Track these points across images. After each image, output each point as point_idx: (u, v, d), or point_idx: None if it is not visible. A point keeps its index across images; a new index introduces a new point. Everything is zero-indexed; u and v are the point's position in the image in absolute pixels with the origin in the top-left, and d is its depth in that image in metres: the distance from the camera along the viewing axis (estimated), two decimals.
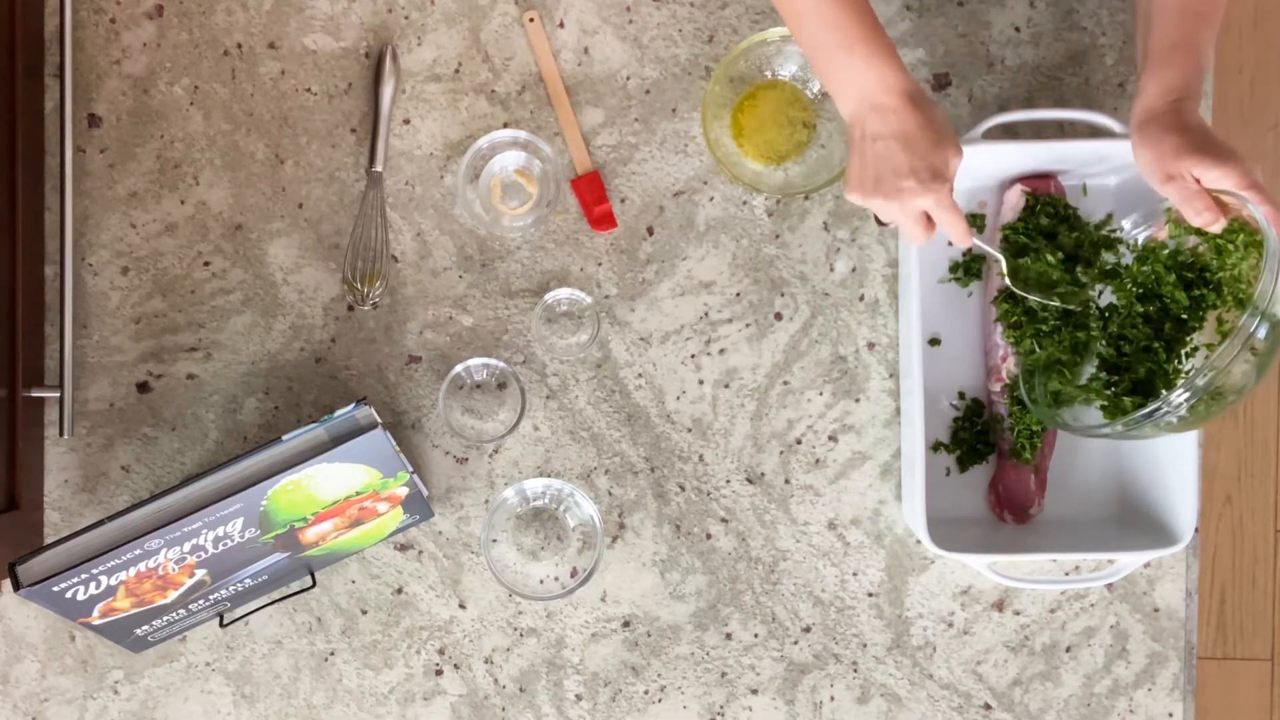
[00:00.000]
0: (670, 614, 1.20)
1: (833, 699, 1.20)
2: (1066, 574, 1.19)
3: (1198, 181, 0.91)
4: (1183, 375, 0.99)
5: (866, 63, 0.93)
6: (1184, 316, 0.99)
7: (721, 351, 1.19)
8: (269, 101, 1.20)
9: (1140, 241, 1.05)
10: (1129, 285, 1.04)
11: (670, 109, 1.20)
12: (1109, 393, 1.02)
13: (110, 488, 1.19)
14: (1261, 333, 0.88)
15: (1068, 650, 1.19)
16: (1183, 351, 1.00)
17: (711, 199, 1.19)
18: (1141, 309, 1.02)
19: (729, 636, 1.20)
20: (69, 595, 1.02)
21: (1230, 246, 0.96)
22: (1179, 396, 0.90)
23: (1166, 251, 1.01)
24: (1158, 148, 0.93)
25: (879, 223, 0.99)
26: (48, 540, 1.19)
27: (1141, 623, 1.19)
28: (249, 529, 1.05)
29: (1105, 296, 1.08)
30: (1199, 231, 0.97)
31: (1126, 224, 1.08)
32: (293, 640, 1.19)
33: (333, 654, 1.19)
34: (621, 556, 1.19)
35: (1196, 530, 1.10)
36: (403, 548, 1.19)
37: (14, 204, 1.12)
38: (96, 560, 1.00)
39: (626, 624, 1.20)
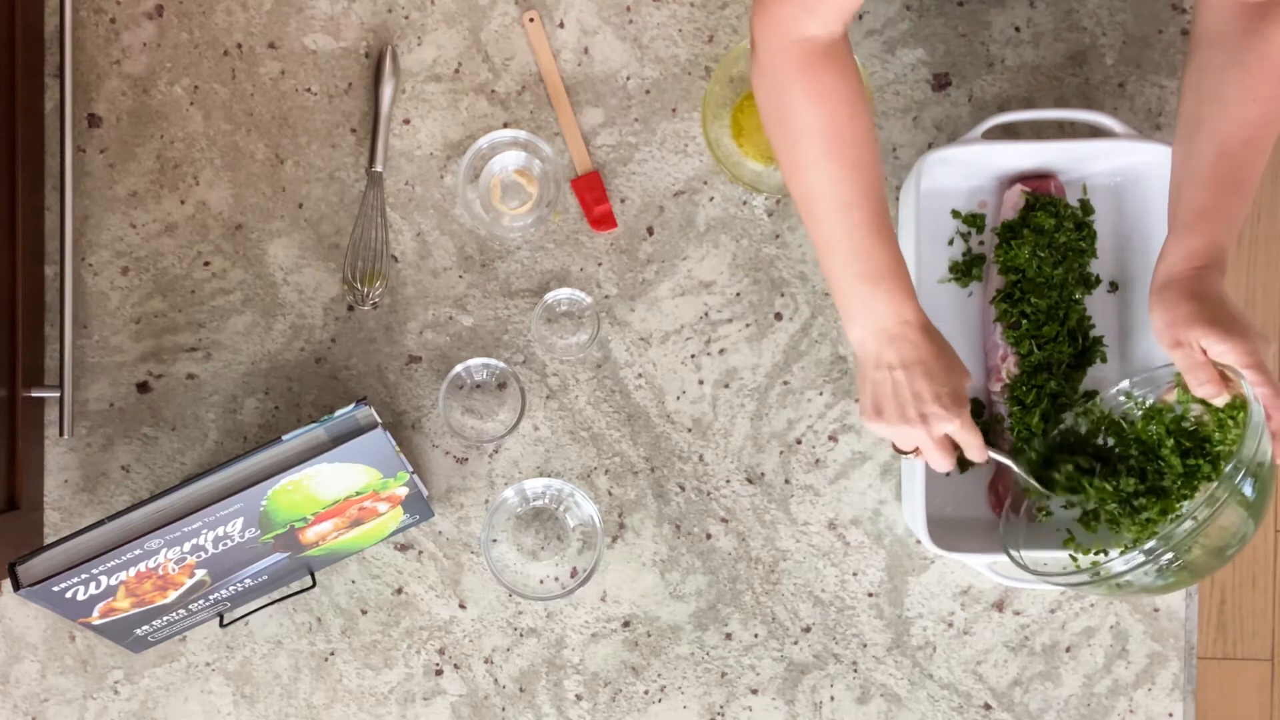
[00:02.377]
0: (670, 614, 1.20)
1: (833, 699, 1.20)
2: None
3: (1204, 352, 0.90)
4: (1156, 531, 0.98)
5: (889, 297, 0.94)
6: (1177, 484, 0.99)
7: (721, 351, 1.19)
8: (269, 101, 1.20)
9: (1149, 402, 1.04)
10: (1130, 441, 1.03)
11: (670, 109, 1.20)
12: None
13: (110, 488, 1.19)
14: (1249, 490, 0.88)
15: (1068, 650, 1.19)
16: (1171, 516, 0.99)
17: (711, 199, 1.20)
18: (1138, 465, 1.02)
19: (729, 636, 1.20)
20: (69, 595, 1.02)
21: (1230, 422, 0.95)
22: (1157, 549, 0.89)
23: (1171, 416, 1.01)
24: (1172, 313, 0.91)
25: (897, 450, 1.00)
26: (48, 540, 1.19)
27: (1141, 623, 1.19)
28: (249, 529, 1.05)
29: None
30: (1204, 402, 0.96)
31: (1138, 382, 1.06)
32: (293, 640, 1.19)
33: (333, 654, 1.19)
34: (621, 556, 1.19)
35: None
36: (403, 548, 1.19)
37: (14, 204, 1.12)
38: (96, 560, 1.00)
39: (626, 624, 1.20)
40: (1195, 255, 0.92)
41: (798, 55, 0.92)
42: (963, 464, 1.18)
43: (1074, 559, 1.01)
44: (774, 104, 0.95)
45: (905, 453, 0.99)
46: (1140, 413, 1.03)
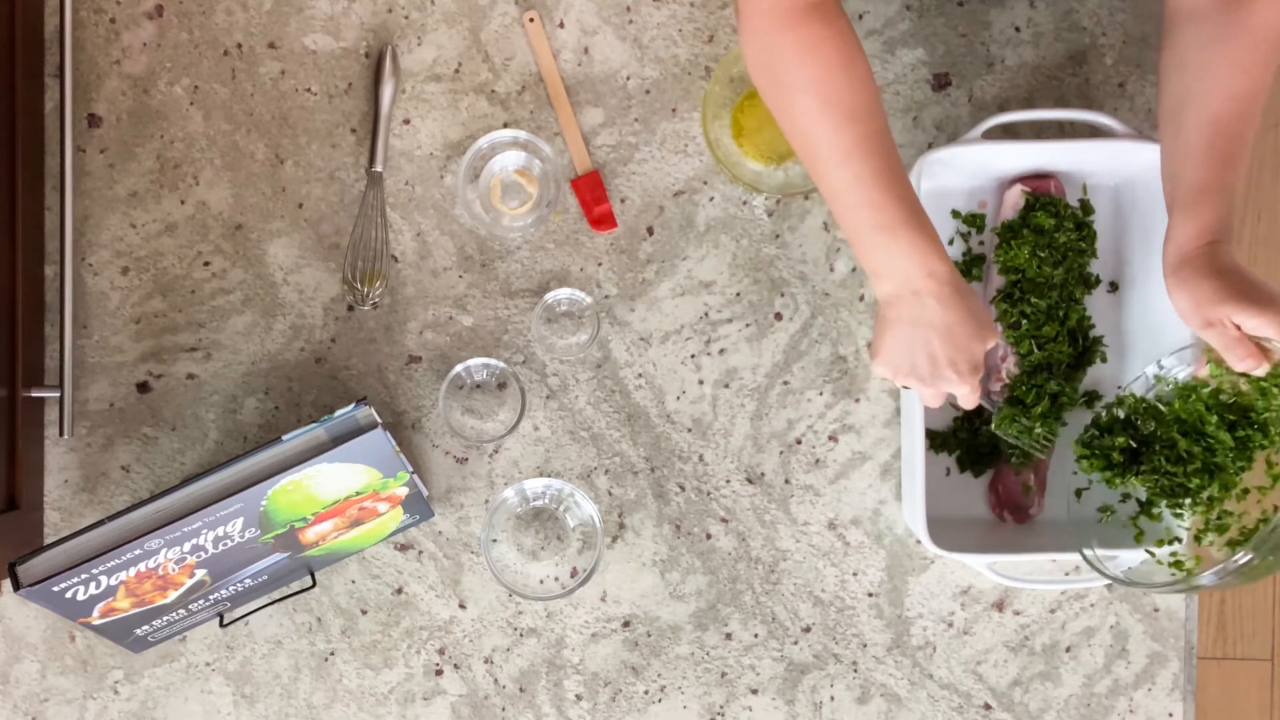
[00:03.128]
0: (670, 614, 1.20)
1: (833, 699, 1.20)
2: (1066, 574, 1.19)
3: (1238, 328, 0.90)
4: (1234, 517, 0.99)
5: (910, 247, 0.92)
6: (1229, 457, 0.99)
7: (721, 351, 1.19)
8: (269, 101, 1.20)
9: (1181, 379, 1.03)
10: (1170, 422, 1.02)
11: (670, 109, 1.20)
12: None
13: (110, 488, 1.19)
14: None
15: (1068, 650, 1.19)
16: (1233, 493, 0.99)
17: (711, 199, 1.20)
18: (1185, 445, 1.00)
19: (729, 636, 1.19)
20: (69, 595, 1.02)
21: (1275, 389, 0.95)
22: (1244, 555, 0.89)
23: (1208, 390, 1.00)
24: (1195, 293, 0.91)
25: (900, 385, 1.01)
26: (48, 540, 1.19)
27: (1141, 623, 1.19)
28: (249, 529, 1.05)
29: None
30: (1242, 373, 0.96)
31: (1168, 361, 1.05)
32: (293, 640, 1.19)
33: (333, 654, 1.19)
34: (621, 556, 1.19)
35: None
36: (403, 548, 1.19)
37: (14, 204, 1.12)
38: (96, 560, 1.00)
39: (626, 624, 1.20)
40: (1205, 231, 0.91)
41: (782, 12, 0.91)
42: (947, 441, 1.19)
43: (1174, 569, 1.00)
44: (764, 64, 0.93)
45: (906, 388, 1.00)
46: (1174, 394, 1.02)
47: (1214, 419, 0.99)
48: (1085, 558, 1.03)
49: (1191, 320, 0.92)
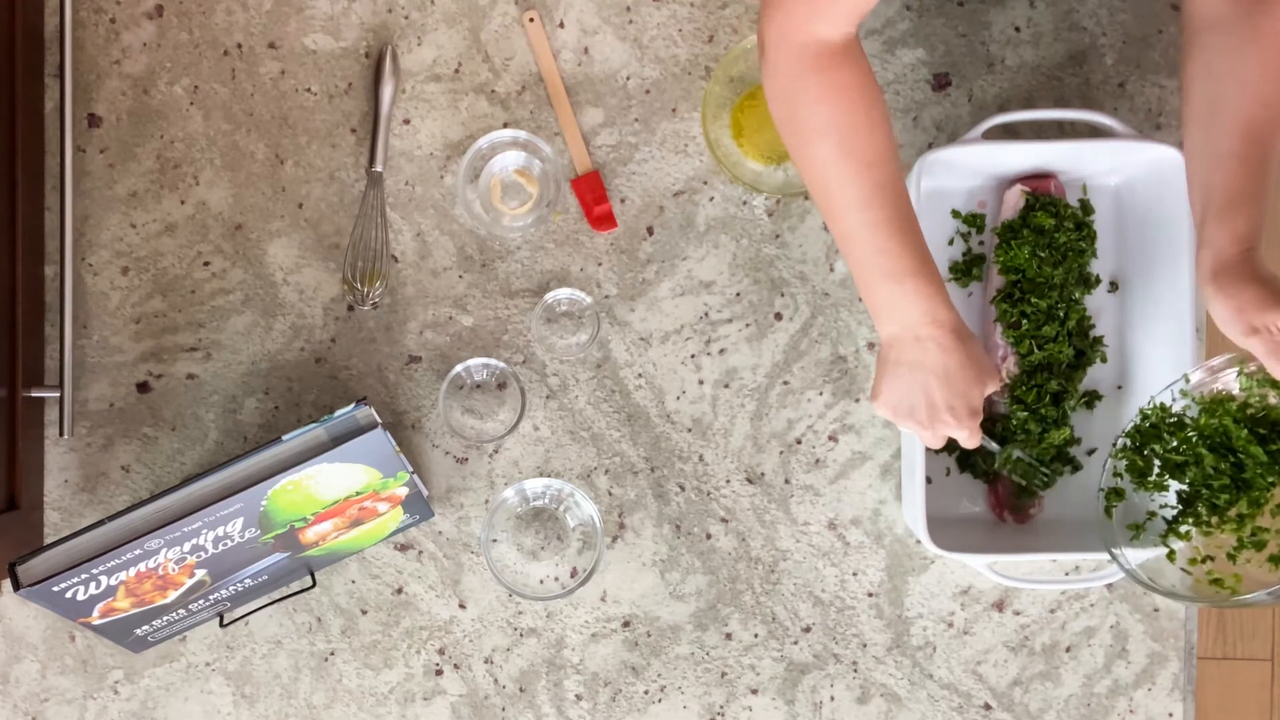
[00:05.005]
0: (670, 614, 1.20)
1: (833, 699, 1.20)
2: (1066, 574, 1.19)
3: None
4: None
5: (916, 294, 0.93)
6: (1259, 472, 0.97)
7: (721, 351, 1.19)
8: (269, 101, 1.20)
9: (1206, 395, 1.02)
10: (1194, 439, 1.01)
11: (670, 109, 1.20)
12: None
13: (110, 488, 1.19)
14: None
15: (1068, 650, 1.19)
16: (1267, 509, 0.98)
17: (711, 199, 1.20)
18: (1214, 462, 0.99)
19: (729, 636, 1.20)
20: (69, 595, 1.02)
21: None
22: None
23: (1235, 405, 0.99)
24: (1237, 299, 0.90)
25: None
26: (48, 540, 1.19)
27: (1141, 623, 1.19)
28: (249, 529, 1.05)
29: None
30: (1274, 384, 0.95)
31: (1196, 375, 1.03)
32: (293, 640, 1.19)
33: (333, 654, 1.19)
34: (621, 556, 1.19)
35: None
36: (403, 548, 1.19)
37: (14, 204, 1.12)
38: (96, 560, 1.00)
39: (626, 624, 1.20)
40: (1242, 237, 0.91)
41: (809, 57, 0.92)
42: (962, 464, 1.19)
43: (1215, 586, 0.98)
44: (787, 106, 0.94)
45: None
46: (1199, 409, 1.01)
47: (1244, 433, 0.97)
48: (1116, 559, 1.00)
49: (1233, 327, 0.91)
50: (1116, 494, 1.05)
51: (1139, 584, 1.00)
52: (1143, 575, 0.99)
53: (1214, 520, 1.00)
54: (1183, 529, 1.01)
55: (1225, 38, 0.94)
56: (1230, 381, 0.99)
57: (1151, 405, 1.04)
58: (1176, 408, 1.03)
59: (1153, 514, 1.04)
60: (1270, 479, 0.97)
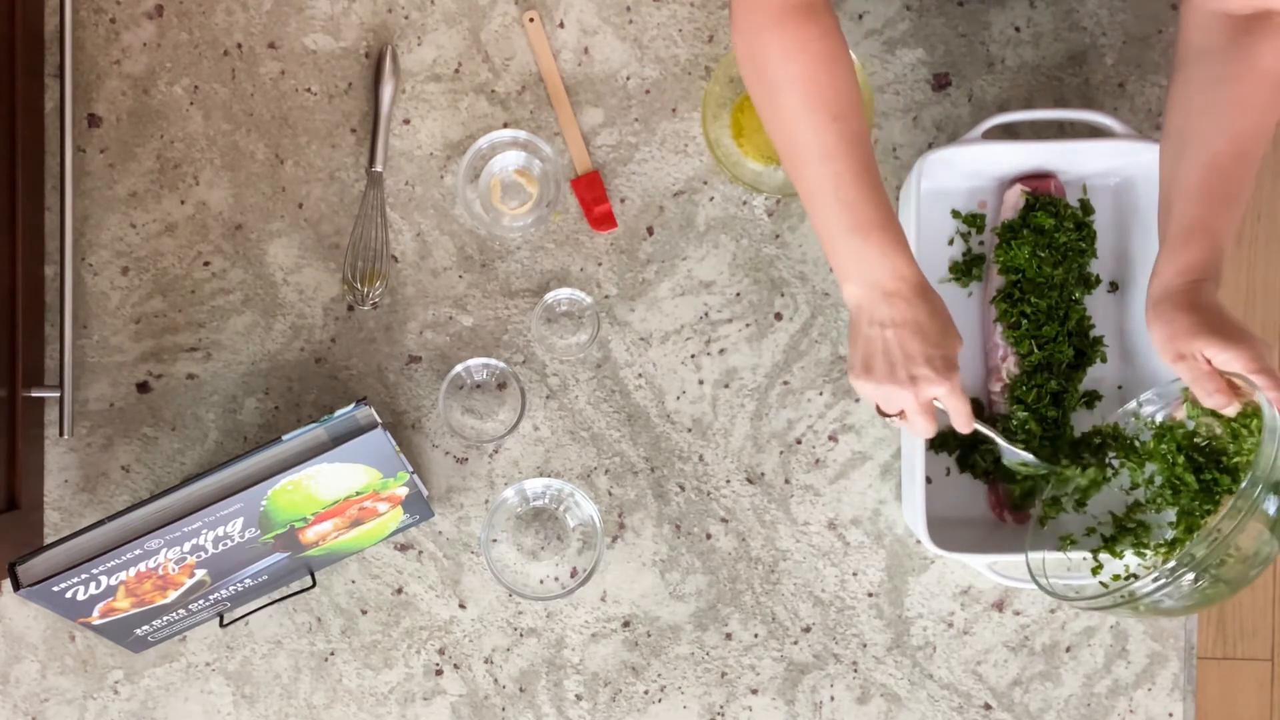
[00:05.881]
0: (670, 614, 1.20)
1: (833, 699, 1.20)
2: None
3: (1209, 362, 0.90)
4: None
5: (881, 250, 0.92)
6: (1195, 500, 0.98)
7: (721, 351, 1.19)
8: (269, 101, 1.20)
9: (1159, 420, 1.03)
10: (1138, 461, 1.02)
11: (670, 109, 1.20)
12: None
13: (110, 488, 1.19)
14: (1271, 507, 0.86)
15: (1068, 650, 1.19)
16: (1197, 535, 0.98)
17: (711, 199, 1.20)
18: (1159, 487, 1.00)
19: (729, 636, 1.20)
20: (69, 595, 1.02)
21: (1245, 431, 0.94)
22: (1179, 571, 0.88)
23: (1182, 432, 0.99)
24: (1170, 326, 0.91)
25: (881, 414, 0.98)
26: (48, 540, 1.19)
27: (1141, 623, 1.19)
28: (249, 529, 1.05)
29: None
30: (1215, 414, 0.95)
31: (1146, 397, 1.04)
32: (293, 640, 1.19)
33: (333, 654, 1.19)
34: (621, 556, 1.19)
35: None
36: (403, 548, 1.19)
37: (14, 204, 1.12)
38: (96, 560, 1.00)
39: (626, 624, 1.20)
40: (1189, 269, 0.91)
41: (774, 12, 0.92)
42: (946, 441, 1.18)
43: (1104, 585, 0.98)
44: (752, 59, 0.94)
45: (889, 415, 0.97)
46: (1151, 432, 1.02)
47: (1181, 459, 0.98)
48: (1029, 564, 1.02)
49: (1165, 353, 0.92)
50: (1055, 503, 1.06)
51: (1043, 591, 1.00)
52: (1053, 585, 1.00)
53: (1148, 541, 1.01)
54: (1119, 548, 1.02)
55: (1208, 68, 0.95)
56: (1182, 409, 1.00)
57: (1106, 425, 1.05)
58: (1130, 430, 1.04)
59: (1092, 530, 1.05)
60: (1206, 507, 0.97)
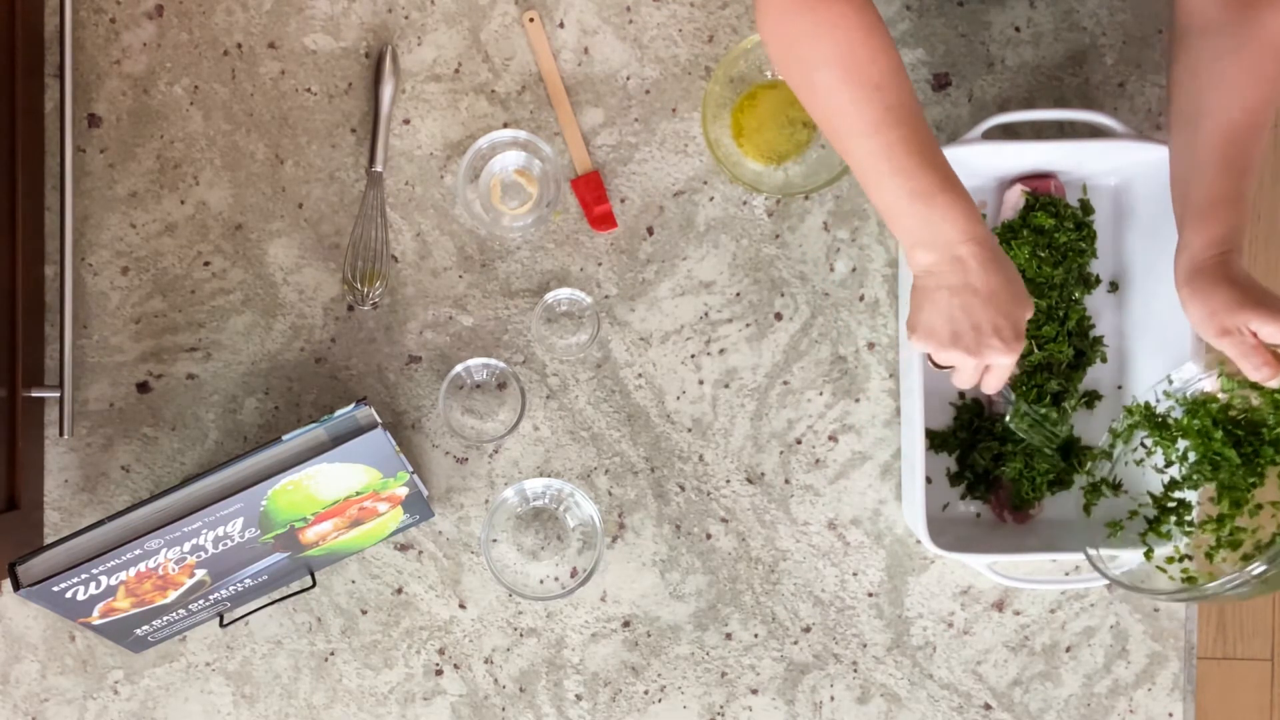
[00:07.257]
0: (670, 614, 1.20)
1: (833, 699, 1.20)
2: (1066, 574, 1.19)
3: (1254, 335, 0.90)
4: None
5: (948, 211, 0.89)
6: (1237, 474, 0.97)
7: (721, 351, 1.19)
8: (269, 101, 1.20)
9: (1189, 395, 1.02)
10: (1175, 438, 1.01)
11: (670, 109, 1.20)
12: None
13: (110, 488, 1.19)
14: None
15: (1068, 650, 1.19)
16: (1245, 509, 0.97)
17: (711, 199, 1.20)
18: (1194, 463, 1.00)
19: (729, 636, 1.20)
20: (69, 595, 1.02)
21: None
22: (1258, 567, 0.88)
23: (1216, 406, 0.99)
24: (1210, 302, 0.90)
25: (934, 365, 0.96)
26: (48, 540, 1.19)
27: (1141, 623, 1.19)
28: (249, 529, 1.05)
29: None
30: (1255, 385, 0.95)
31: (1178, 375, 1.03)
32: (293, 640, 1.19)
33: (333, 654, 1.19)
34: (621, 556, 1.19)
35: None
36: (403, 548, 1.19)
37: (14, 204, 1.12)
38: (96, 560, 1.00)
39: (626, 624, 1.20)
40: (1218, 241, 0.91)
41: None
42: (947, 441, 1.17)
43: (1185, 581, 0.98)
44: (783, 46, 0.91)
45: (941, 368, 0.95)
46: (1183, 409, 1.01)
47: (1219, 434, 0.97)
48: (1089, 558, 1.02)
49: (1207, 329, 0.91)
50: (1095, 490, 1.05)
51: (1095, 569, 1.00)
52: (1122, 578, 1.00)
53: (1195, 520, 1.00)
54: (1164, 529, 1.01)
55: (1212, 41, 0.94)
56: (1213, 383, 1.00)
57: (1136, 404, 1.04)
58: (1161, 408, 1.03)
59: (1134, 513, 1.04)
60: (1250, 480, 0.97)
